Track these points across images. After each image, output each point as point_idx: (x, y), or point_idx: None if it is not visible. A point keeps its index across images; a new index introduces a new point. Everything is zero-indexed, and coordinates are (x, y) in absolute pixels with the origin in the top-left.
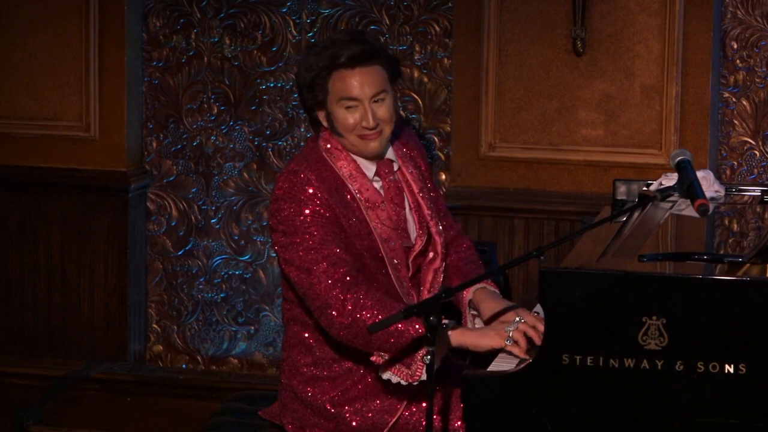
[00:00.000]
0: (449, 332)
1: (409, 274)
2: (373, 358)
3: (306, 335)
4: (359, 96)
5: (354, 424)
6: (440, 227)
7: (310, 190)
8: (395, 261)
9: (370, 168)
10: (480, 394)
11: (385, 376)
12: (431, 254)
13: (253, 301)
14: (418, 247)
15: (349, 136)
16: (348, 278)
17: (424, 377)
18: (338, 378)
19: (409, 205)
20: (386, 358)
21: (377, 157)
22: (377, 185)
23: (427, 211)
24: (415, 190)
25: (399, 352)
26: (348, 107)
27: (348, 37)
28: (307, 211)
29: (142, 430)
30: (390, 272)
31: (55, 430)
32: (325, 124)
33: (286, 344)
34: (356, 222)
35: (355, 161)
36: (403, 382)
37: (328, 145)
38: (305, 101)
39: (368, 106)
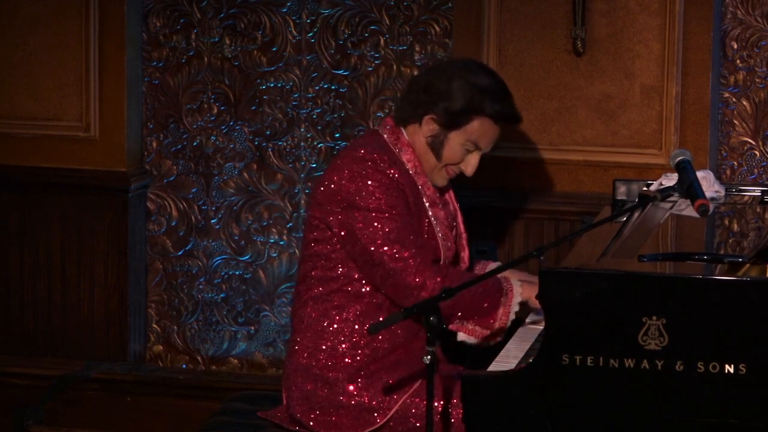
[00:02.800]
0: (521, 286)
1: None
2: (452, 327)
3: (332, 314)
4: (484, 149)
5: (364, 400)
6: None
7: (392, 171)
8: (447, 261)
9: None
10: (480, 394)
11: (461, 338)
12: (463, 262)
13: (253, 301)
14: (452, 252)
15: (439, 164)
16: (432, 257)
17: (509, 321)
18: (356, 356)
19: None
20: (467, 324)
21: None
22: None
23: (461, 223)
24: (455, 202)
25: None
26: (467, 149)
27: (509, 92)
28: (393, 190)
29: (142, 430)
30: None
31: (55, 430)
32: (425, 131)
33: (300, 325)
34: (422, 212)
35: (418, 159)
36: (506, 320)
37: (395, 139)
38: (428, 106)
39: (478, 158)
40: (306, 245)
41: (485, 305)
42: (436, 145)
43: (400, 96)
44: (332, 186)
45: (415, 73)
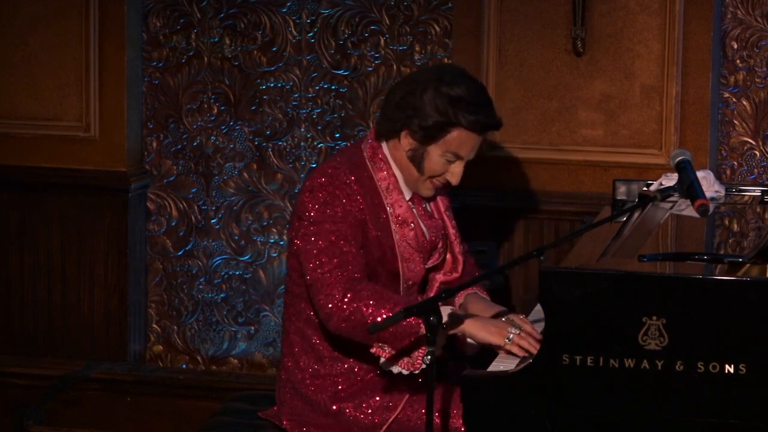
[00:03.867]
0: (449, 315)
1: (423, 296)
2: (373, 350)
3: (309, 331)
4: (466, 157)
5: (353, 420)
6: (463, 247)
7: (348, 190)
8: (410, 282)
9: (407, 188)
10: (480, 394)
11: (386, 366)
12: (453, 274)
13: (253, 301)
14: (431, 263)
15: (422, 176)
16: (356, 275)
17: (424, 366)
18: (340, 374)
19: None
20: (386, 349)
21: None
22: (410, 204)
23: (451, 231)
24: (442, 209)
25: (398, 342)
26: (448, 160)
27: (486, 99)
28: (341, 207)
29: (142, 430)
30: (401, 290)
31: (55, 430)
32: (404, 146)
33: (287, 340)
34: (382, 235)
35: (395, 176)
36: (404, 372)
37: (372, 154)
38: (403, 121)
39: (462, 167)
40: (287, 258)
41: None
42: (416, 159)
43: (382, 107)
44: (297, 199)
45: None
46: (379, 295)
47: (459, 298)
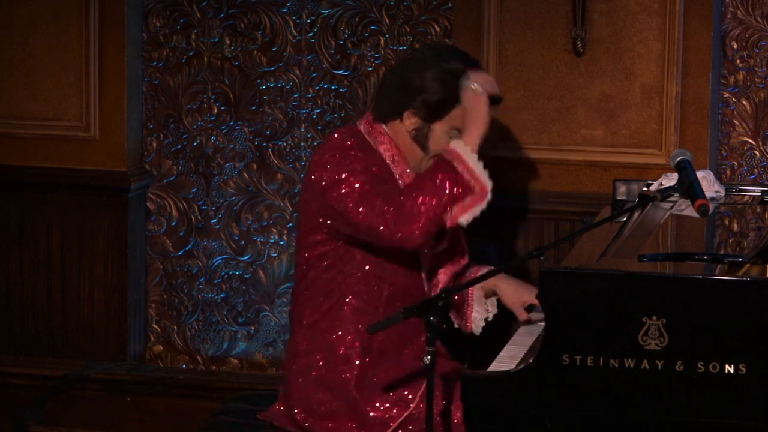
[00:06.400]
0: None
1: (427, 269)
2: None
3: (324, 325)
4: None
5: (368, 410)
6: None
7: (361, 160)
8: (425, 249)
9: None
10: (480, 394)
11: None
12: (460, 260)
13: (253, 301)
14: (440, 247)
15: (426, 155)
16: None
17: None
18: (357, 359)
19: None
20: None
21: None
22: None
23: None
24: None
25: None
26: (452, 136)
27: (480, 70)
28: (359, 162)
29: (142, 430)
30: (420, 257)
31: (55, 430)
32: (407, 126)
33: (298, 329)
34: None
35: (397, 148)
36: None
37: (370, 129)
38: (406, 100)
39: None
40: (300, 247)
41: (438, 180)
42: (420, 139)
43: (376, 92)
44: (310, 178)
45: None
46: (420, 189)
47: (473, 290)
